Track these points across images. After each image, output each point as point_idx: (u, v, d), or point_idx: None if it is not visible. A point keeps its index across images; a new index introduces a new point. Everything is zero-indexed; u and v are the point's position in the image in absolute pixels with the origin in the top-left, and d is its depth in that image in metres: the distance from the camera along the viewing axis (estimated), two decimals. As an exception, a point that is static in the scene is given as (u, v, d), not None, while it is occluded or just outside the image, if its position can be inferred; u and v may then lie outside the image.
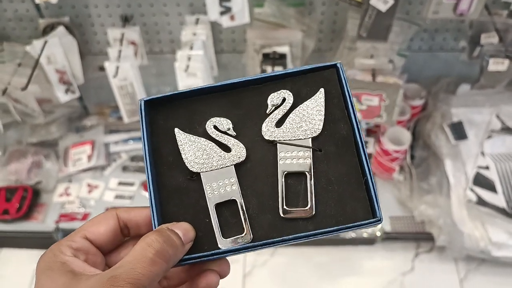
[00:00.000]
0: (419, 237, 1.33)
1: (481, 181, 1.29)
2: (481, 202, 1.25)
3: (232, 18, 1.06)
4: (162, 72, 1.43)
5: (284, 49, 1.15)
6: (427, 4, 1.07)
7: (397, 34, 1.17)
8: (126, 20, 1.28)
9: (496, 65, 1.11)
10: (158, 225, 0.43)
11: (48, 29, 1.28)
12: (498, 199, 1.25)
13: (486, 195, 1.27)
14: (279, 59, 1.15)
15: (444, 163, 1.33)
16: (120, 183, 1.43)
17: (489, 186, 1.28)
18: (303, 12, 1.25)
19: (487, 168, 1.31)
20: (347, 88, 0.47)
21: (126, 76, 1.18)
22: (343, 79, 0.47)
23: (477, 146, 1.35)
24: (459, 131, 1.36)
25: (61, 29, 1.24)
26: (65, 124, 1.52)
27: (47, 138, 1.49)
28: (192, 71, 1.10)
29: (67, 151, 1.47)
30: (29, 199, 1.37)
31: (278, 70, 0.50)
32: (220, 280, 0.44)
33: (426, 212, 1.28)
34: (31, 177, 1.42)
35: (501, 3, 1.14)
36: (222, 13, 1.01)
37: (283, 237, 0.43)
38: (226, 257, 0.45)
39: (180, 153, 0.47)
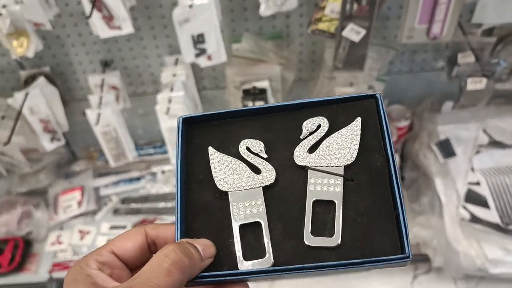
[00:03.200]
0: (415, 259, 1.31)
1: (473, 197, 1.28)
2: (474, 219, 1.24)
3: (209, 58, 1.06)
4: (148, 112, 1.43)
5: (264, 84, 1.16)
6: (400, 31, 1.08)
7: (375, 60, 1.18)
8: (106, 65, 1.29)
9: (475, 84, 1.11)
10: (180, 238, 0.44)
11: (29, 80, 1.29)
12: (492, 215, 1.24)
13: (479, 211, 1.25)
14: (260, 94, 1.15)
15: (435, 182, 1.32)
16: (112, 227, 1.41)
17: (482, 202, 1.27)
18: (281, 45, 1.26)
19: (478, 184, 1.30)
20: (385, 119, 0.46)
21: (109, 122, 1.18)
22: (381, 109, 0.47)
23: (466, 162, 1.35)
24: (447, 149, 1.35)
25: (41, 80, 1.25)
26: (54, 171, 1.51)
27: (37, 187, 1.48)
28: (174, 113, 1.10)
29: (57, 198, 1.46)
30: (20, 250, 1.36)
31: (316, 97, 0.49)
32: None
33: (420, 233, 1.27)
34: (22, 228, 1.41)
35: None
36: (197, 55, 1.02)
37: (305, 265, 0.41)
38: (246, 281, 0.44)
39: (211, 171, 0.47)
